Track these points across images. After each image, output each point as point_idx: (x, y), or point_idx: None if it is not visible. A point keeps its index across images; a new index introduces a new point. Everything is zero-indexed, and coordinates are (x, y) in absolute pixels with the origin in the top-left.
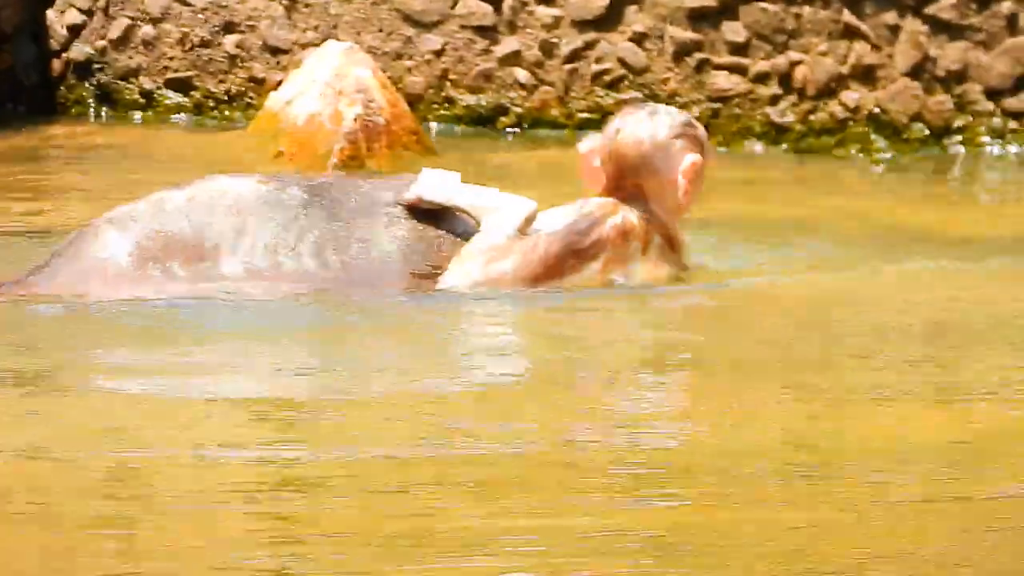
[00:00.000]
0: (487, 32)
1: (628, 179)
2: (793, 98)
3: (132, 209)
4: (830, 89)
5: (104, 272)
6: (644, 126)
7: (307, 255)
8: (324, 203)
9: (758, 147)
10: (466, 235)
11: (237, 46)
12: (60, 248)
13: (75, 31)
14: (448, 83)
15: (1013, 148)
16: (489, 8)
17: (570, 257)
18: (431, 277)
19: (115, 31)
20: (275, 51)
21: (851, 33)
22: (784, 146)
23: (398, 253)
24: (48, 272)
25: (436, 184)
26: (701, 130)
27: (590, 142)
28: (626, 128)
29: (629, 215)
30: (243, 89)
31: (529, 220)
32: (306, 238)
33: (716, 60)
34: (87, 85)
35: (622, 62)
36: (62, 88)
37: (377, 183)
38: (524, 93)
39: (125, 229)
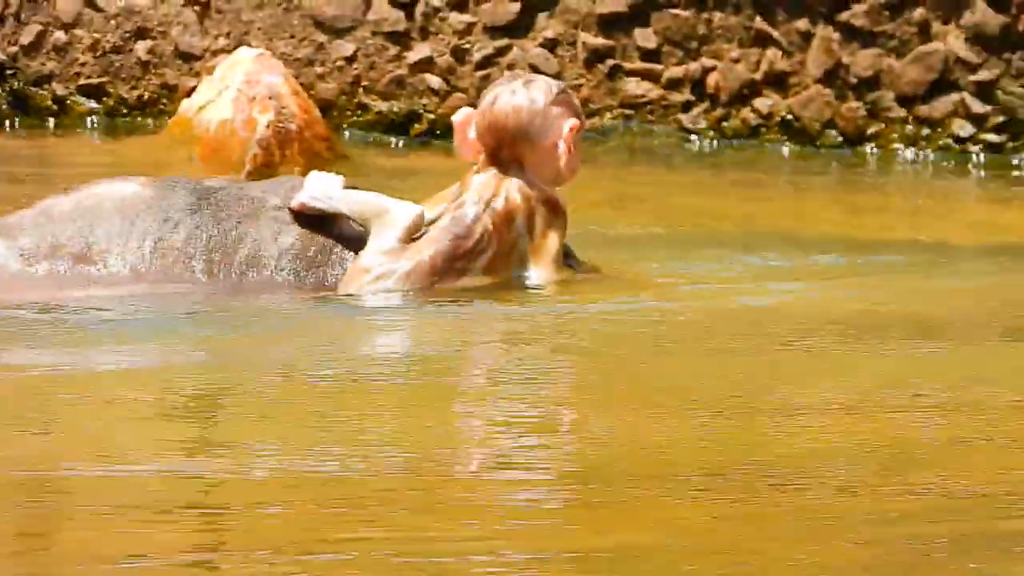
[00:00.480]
0: (399, 38)
1: (506, 149)
2: (706, 105)
3: (20, 217)
4: (743, 96)
5: None
6: (520, 95)
7: (194, 259)
8: (211, 207)
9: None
10: (355, 240)
11: (149, 52)
12: None
13: None
14: (361, 89)
15: (925, 155)
16: (401, 14)
17: (457, 260)
18: (319, 287)
19: (27, 36)
20: (187, 57)
21: (763, 40)
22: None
23: (286, 261)
24: None
25: (320, 189)
26: (575, 97)
27: (465, 112)
28: (502, 97)
29: (511, 190)
30: (156, 95)
31: (415, 226)
32: (193, 242)
33: (628, 66)
34: None
35: (534, 68)
36: None
37: (265, 186)
38: (437, 99)
39: (12, 237)
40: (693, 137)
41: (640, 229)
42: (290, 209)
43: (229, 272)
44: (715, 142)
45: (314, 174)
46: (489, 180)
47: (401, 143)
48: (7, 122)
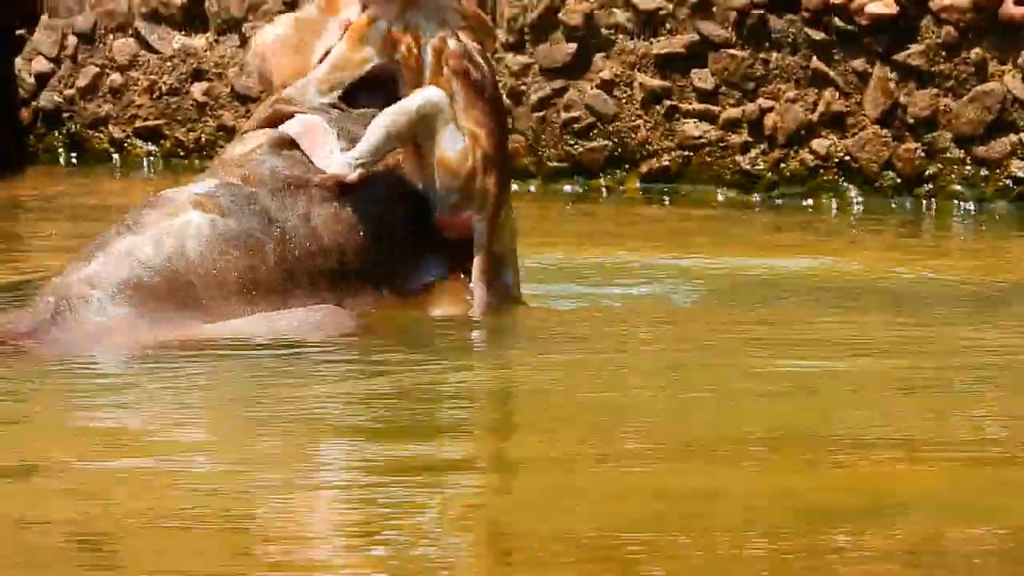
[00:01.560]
0: None
1: None
2: (763, 146)
3: (103, 268)
4: (800, 136)
5: (110, 332)
6: None
7: (291, 280)
8: (278, 219)
9: (727, 195)
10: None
11: (205, 94)
12: (41, 311)
13: (43, 80)
14: None
15: (983, 197)
16: None
17: None
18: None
19: (83, 79)
20: (244, 99)
21: (820, 80)
22: (756, 195)
23: (367, 254)
24: (48, 341)
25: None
26: None
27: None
28: None
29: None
30: (213, 137)
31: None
32: (282, 263)
33: (685, 107)
34: (56, 134)
35: (591, 110)
36: (31, 137)
37: (295, 169)
38: None
39: (108, 292)
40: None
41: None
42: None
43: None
44: (774, 184)
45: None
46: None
47: None
48: (65, 165)
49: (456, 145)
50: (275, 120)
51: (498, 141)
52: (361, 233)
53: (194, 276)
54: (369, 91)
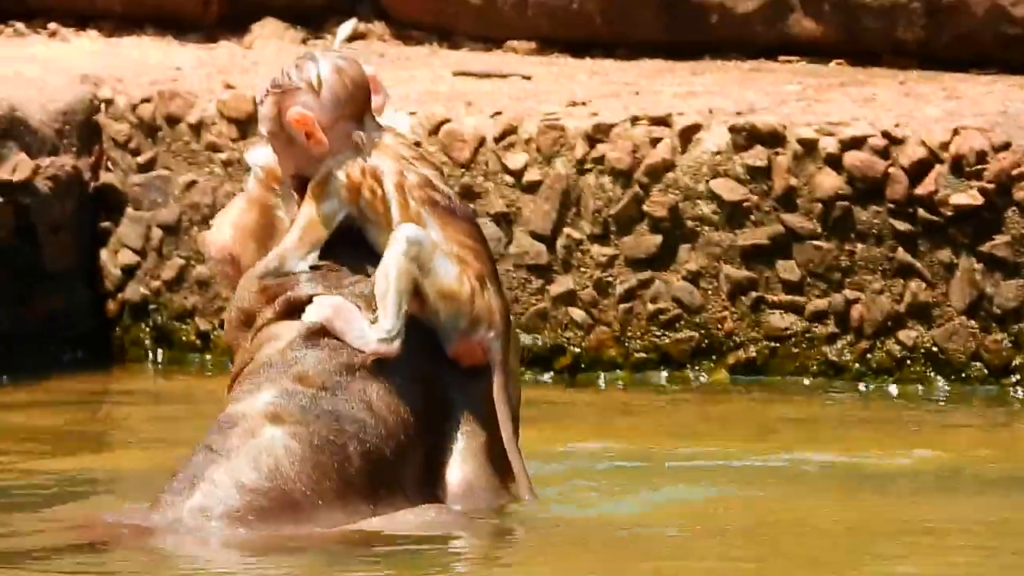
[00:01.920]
0: (542, 271)
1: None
2: (850, 337)
3: (211, 499)
4: (887, 327)
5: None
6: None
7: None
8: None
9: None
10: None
11: None
12: (155, 524)
13: (129, 272)
14: None
15: None
16: (543, 247)
17: None
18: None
19: (169, 272)
20: None
21: (906, 271)
22: (843, 385)
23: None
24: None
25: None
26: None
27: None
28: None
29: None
30: None
31: None
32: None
33: (772, 299)
34: (143, 326)
35: (677, 301)
36: (118, 330)
37: (338, 357)
38: (581, 333)
39: (225, 521)
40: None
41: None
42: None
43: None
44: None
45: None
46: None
47: (546, 377)
48: (151, 358)
49: (450, 272)
50: (291, 308)
51: (486, 255)
52: (414, 395)
53: (296, 491)
54: (341, 241)
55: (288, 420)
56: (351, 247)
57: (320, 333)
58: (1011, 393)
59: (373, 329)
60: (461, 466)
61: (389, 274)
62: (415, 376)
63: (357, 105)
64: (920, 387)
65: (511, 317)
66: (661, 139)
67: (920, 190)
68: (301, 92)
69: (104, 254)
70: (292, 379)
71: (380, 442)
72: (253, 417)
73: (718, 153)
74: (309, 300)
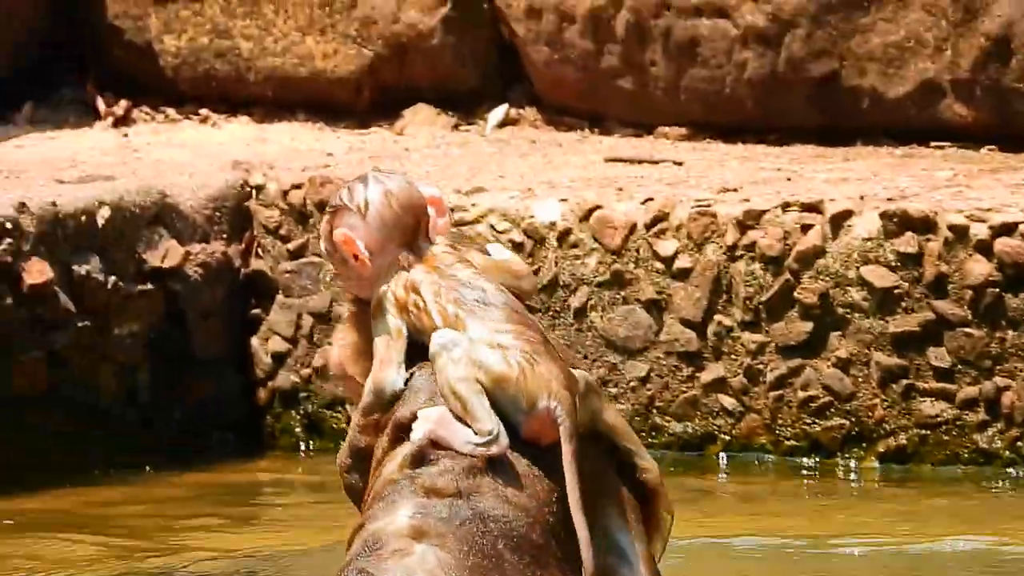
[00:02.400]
0: (692, 358)
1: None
2: (1000, 424)
3: None
4: None
5: None
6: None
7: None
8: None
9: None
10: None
11: None
12: None
13: (279, 359)
14: (654, 410)
15: None
16: (693, 334)
17: None
18: None
19: (320, 359)
20: None
21: None
22: (994, 474)
23: None
24: None
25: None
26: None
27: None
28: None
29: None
30: None
31: None
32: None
33: (922, 386)
34: (293, 414)
35: (827, 389)
36: (268, 417)
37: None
38: (731, 420)
39: None
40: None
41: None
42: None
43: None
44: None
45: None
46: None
47: (697, 464)
48: (302, 446)
49: (496, 359)
50: (401, 430)
51: (530, 329)
52: (542, 474)
53: None
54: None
55: (433, 533)
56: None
57: (432, 446)
58: None
59: (476, 437)
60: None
61: (454, 390)
62: (535, 455)
63: (406, 229)
64: None
65: (580, 379)
66: (812, 225)
67: None
68: (350, 213)
69: (255, 341)
70: (423, 493)
71: (527, 530)
72: (398, 537)
73: (869, 239)
74: (414, 417)
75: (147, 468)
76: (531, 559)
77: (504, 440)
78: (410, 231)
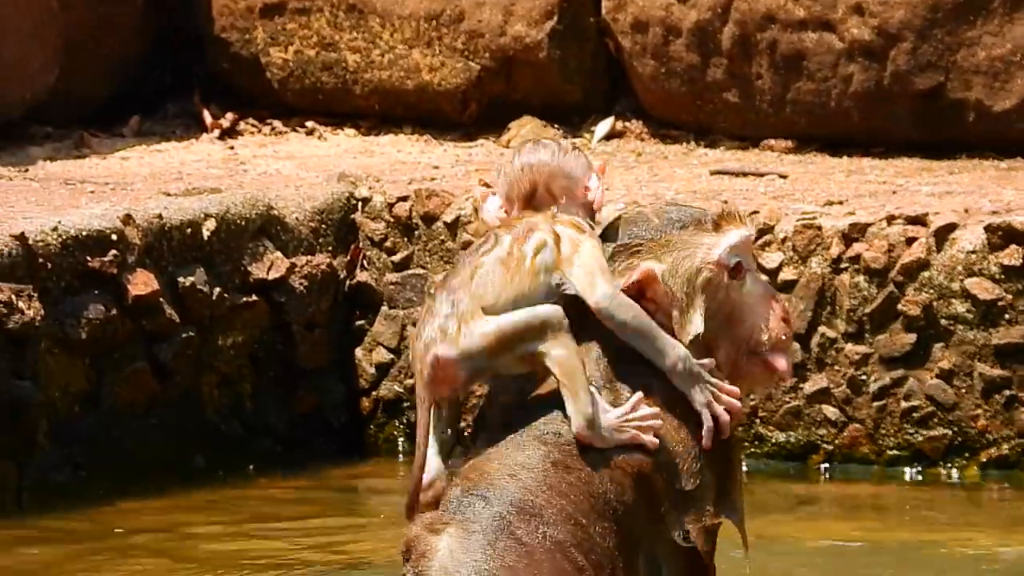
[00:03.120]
0: (796, 369)
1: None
2: None
3: None
4: None
5: None
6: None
7: None
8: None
9: None
10: None
11: None
12: None
13: (383, 370)
14: (758, 420)
15: None
16: (797, 345)
17: None
18: None
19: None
20: None
21: None
22: None
23: None
24: None
25: None
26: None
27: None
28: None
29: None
30: None
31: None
32: None
33: None
34: (396, 424)
35: (931, 399)
36: (371, 427)
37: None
38: (834, 431)
39: None
40: None
41: None
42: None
43: None
44: None
45: None
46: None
47: (799, 474)
48: (404, 455)
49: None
50: None
51: None
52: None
53: None
54: None
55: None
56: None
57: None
58: None
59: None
60: None
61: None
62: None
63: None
64: None
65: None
66: (917, 238)
67: None
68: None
69: (359, 352)
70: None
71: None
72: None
73: (973, 252)
74: None
75: (250, 477)
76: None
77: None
78: None
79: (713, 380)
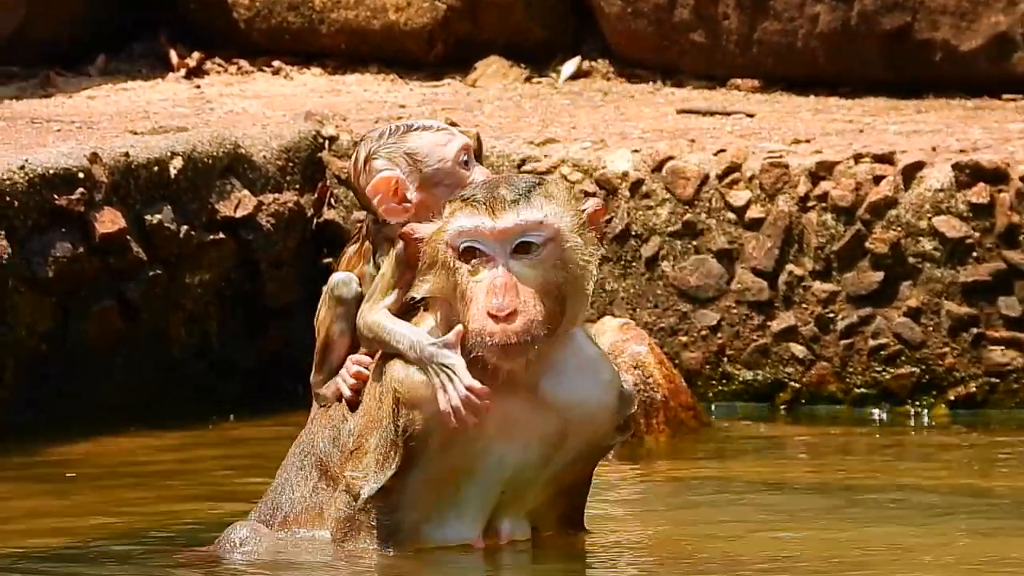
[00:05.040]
0: (763, 307)
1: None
2: None
3: None
4: None
5: None
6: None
7: None
8: None
9: None
10: None
11: None
12: None
13: None
14: (725, 359)
15: None
16: (764, 283)
17: None
18: None
19: None
20: None
21: None
22: None
23: None
24: None
25: None
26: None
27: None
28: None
29: None
30: None
31: None
32: None
33: (992, 334)
34: None
35: (898, 337)
36: None
37: None
38: (801, 368)
39: None
40: None
41: None
42: None
43: None
44: None
45: None
46: None
47: (765, 412)
48: None
49: None
50: None
51: None
52: None
53: None
54: None
55: None
56: None
57: None
58: None
59: None
60: None
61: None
62: None
63: None
64: None
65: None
66: (884, 176)
67: None
68: None
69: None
70: None
71: None
72: None
73: (941, 190)
74: None
75: (218, 415)
76: None
77: None
78: None
79: (449, 363)
